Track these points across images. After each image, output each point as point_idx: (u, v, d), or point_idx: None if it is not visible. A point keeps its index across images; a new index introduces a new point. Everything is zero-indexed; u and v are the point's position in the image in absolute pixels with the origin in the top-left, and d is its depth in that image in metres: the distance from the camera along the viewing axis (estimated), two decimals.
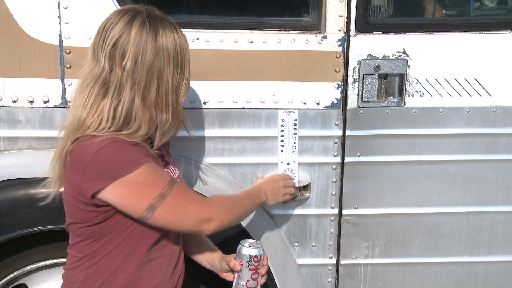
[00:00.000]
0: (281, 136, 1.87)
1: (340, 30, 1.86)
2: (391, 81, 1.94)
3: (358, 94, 1.91)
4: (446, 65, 1.92)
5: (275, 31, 1.84)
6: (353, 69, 1.89)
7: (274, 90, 1.87)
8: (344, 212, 1.97)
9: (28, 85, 1.75)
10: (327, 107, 1.90)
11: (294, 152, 1.88)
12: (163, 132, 1.43)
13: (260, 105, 1.87)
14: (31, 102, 1.77)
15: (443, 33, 1.91)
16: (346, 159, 1.93)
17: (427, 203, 2.01)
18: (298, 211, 1.95)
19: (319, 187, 1.94)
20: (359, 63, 1.89)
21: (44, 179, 1.75)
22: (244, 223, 1.88)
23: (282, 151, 1.87)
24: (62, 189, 1.47)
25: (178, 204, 1.38)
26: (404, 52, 1.90)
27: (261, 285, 1.54)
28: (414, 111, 1.94)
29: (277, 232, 1.94)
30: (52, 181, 1.47)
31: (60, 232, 1.82)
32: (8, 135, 1.78)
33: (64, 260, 1.87)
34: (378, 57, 1.90)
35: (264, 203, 1.71)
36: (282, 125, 1.86)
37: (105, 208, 1.37)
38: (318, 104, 1.89)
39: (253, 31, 1.84)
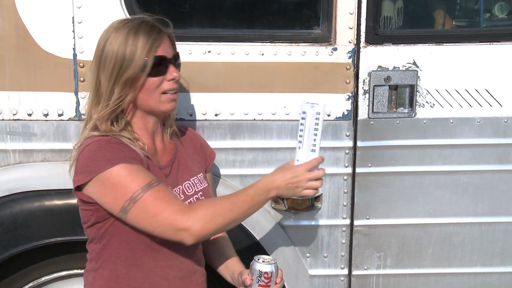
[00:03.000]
0: (300, 131, 1.44)
1: (350, 42, 1.82)
2: (402, 92, 1.89)
3: (368, 105, 1.86)
4: (457, 75, 1.86)
5: (285, 44, 1.80)
6: (364, 80, 1.84)
7: (285, 101, 1.82)
8: (356, 222, 1.91)
9: (42, 98, 1.72)
10: (338, 118, 1.85)
11: (313, 151, 1.42)
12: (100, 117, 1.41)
13: (272, 116, 1.83)
14: (46, 115, 1.74)
15: (453, 44, 1.86)
16: (357, 170, 1.88)
17: (439, 214, 1.94)
18: (309, 222, 1.90)
19: (330, 198, 1.89)
20: (370, 74, 1.84)
21: (58, 190, 1.76)
22: (256, 235, 1.83)
23: (299, 147, 1.43)
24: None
25: (148, 211, 1.32)
26: (414, 63, 1.85)
27: None
28: (424, 121, 1.88)
29: (288, 243, 1.89)
30: None
31: (74, 244, 1.79)
32: (23, 148, 1.75)
33: (78, 271, 1.87)
34: (388, 68, 1.85)
35: (274, 195, 1.40)
36: (303, 118, 1.43)
37: (94, 206, 1.38)
38: (329, 115, 1.84)
39: (264, 43, 1.80)
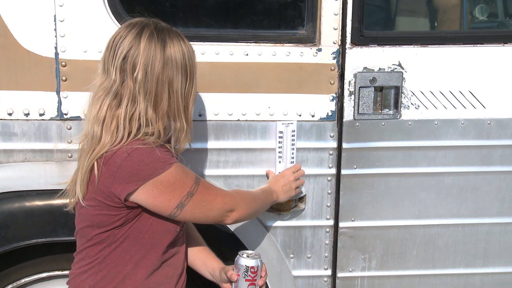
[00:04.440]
0: (279, 148, 1.79)
1: (334, 43, 1.80)
2: (387, 94, 1.87)
3: (354, 107, 1.84)
4: (441, 77, 1.85)
5: (270, 44, 1.78)
6: (349, 81, 1.82)
7: (269, 102, 1.80)
8: (341, 224, 1.89)
9: (23, 97, 1.68)
10: (322, 119, 1.83)
11: (292, 163, 1.81)
12: (178, 140, 1.45)
13: (256, 117, 1.80)
14: (27, 114, 1.70)
15: (437, 46, 1.85)
16: (343, 172, 1.86)
17: (423, 215, 1.93)
18: (293, 222, 1.87)
19: (314, 199, 1.87)
20: (355, 75, 1.82)
21: (39, 191, 1.72)
22: (239, 235, 1.81)
23: (280, 162, 1.80)
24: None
25: (204, 200, 1.45)
26: (400, 65, 1.84)
27: None
28: (409, 123, 1.87)
29: (272, 244, 1.87)
30: (71, 197, 1.46)
31: (55, 245, 1.76)
32: (3, 148, 1.70)
33: (59, 273, 1.83)
34: (373, 69, 1.83)
35: (277, 201, 1.73)
36: (280, 137, 1.79)
37: (132, 211, 1.38)
38: (313, 116, 1.82)
39: (249, 43, 1.77)
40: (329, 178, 1.86)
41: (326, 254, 1.91)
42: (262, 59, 1.78)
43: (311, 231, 1.89)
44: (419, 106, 1.86)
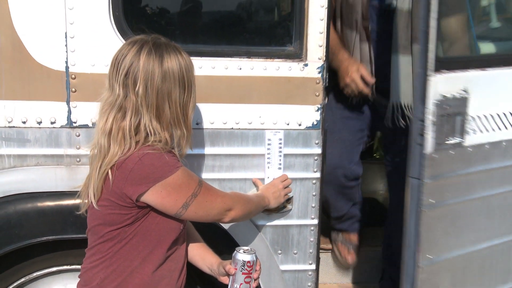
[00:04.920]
0: (268, 154, 1.96)
1: (319, 59, 1.95)
2: None
3: None
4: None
5: (261, 59, 1.93)
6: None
7: (260, 112, 1.96)
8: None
9: (36, 107, 1.83)
10: (308, 128, 1.99)
11: (280, 168, 1.97)
12: (180, 145, 1.59)
13: (248, 125, 1.96)
14: (39, 122, 1.84)
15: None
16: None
17: None
18: (281, 221, 2.03)
19: (300, 200, 2.03)
20: None
21: (50, 192, 1.86)
22: (233, 234, 1.96)
23: (268, 167, 1.97)
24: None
25: (207, 200, 1.60)
26: None
27: None
28: None
29: (262, 241, 2.02)
30: (84, 199, 1.59)
31: (63, 242, 1.90)
32: (17, 153, 1.84)
33: (67, 267, 1.97)
34: None
35: (268, 207, 1.90)
36: (269, 144, 1.95)
37: (141, 211, 1.52)
38: (300, 125, 1.98)
39: (242, 59, 1.93)
40: (314, 181, 2.02)
41: (311, 250, 2.07)
42: (254, 73, 1.93)
43: (297, 229, 2.05)
44: None
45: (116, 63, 1.52)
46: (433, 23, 1.74)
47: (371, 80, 2.28)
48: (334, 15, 2.42)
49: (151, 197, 1.50)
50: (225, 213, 1.66)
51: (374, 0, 2.34)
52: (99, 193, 1.52)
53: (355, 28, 2.33)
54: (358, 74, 2.28)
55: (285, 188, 1.94)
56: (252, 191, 1.98)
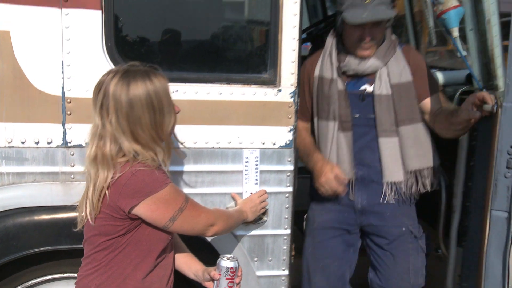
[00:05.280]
0: (245, 170, 2.15)
1: (292, 85, 2.16)
2: None
3: None
4: None
5: (240, 85, 2.12)
6: None
7: (239, 133, 2.14)
8: None
9: (34, 129, 1.98)
10: (281, 147, 2.19)
11: (256, 183, 2.16)
12: (164, 161, 1.70)
13: (227, 145, 2.14)
14: (37, 143, 1.99)
15: None
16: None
17: None
18: (257, 232, 2.22)
19: (274, 212, 2.22)
20: None
21: (46, 207, 2.01)
22: (214, 243, 2.14)
23: (246, 182, 2.16)
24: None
25: (192, 216, 1.75)
26: None
27: None
28: None
29: (240, 250, 2.21)
30: (80, 212, 1.72)
31: (58, 252, 2.04)
32: (16, 171, 1.99)
33: (61, 275, 2.11)
34: None
35: (246, 220, 2.08)
36: (246, 162, 2.15)
37: (133, 222, 1.64)
38: (274, 144, 2.18)
39: (222, 85, 2.11)
40: (286, 195, 2.22)
41: (284, 257, 2.27)
42: (233, 98, 2.12)
43: (272, 238, 2.24)
44: None
45: (94, 94, 1.65)
46: None
47: (345, 179, 2.27)
48: (308, 108, 2.42)
49: (141, 210, 1.64)
50: (208, 228, 1.81)
51: (350, 87, 2.32)
52: (97, 210, 1.65)
53: (332, 118, 2.30)
54: (332, 174, 2.24)
55: (262, 202, 2.13)
56: (231, 205, 2.17)
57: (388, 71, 2.26)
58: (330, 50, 2.34)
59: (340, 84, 2.29)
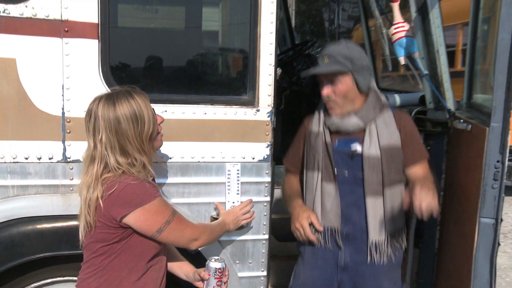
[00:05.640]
0: (228, 182, 2.37)
1: (269, 105, 2.39)
2: None
3: None
4: None
5: (222, 106, 2.35)
6: None
7: (221, 148, 2.36)
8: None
9: (37, 146, 2.17)
10: (260, 161, 2.42)
11: (238, 193, 2.39)
12: (148, 170, 1.85)
13: (211, 159, 2.36)
14: (39, 158, 2.18)
15: None
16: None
17: None
18: (239, 237, 2.44)
19: (254, 220, 2.43)
20: None
21: (47, 216, 2.20)
22: (200, 248, 2.35)
23: (228, 193, 2.38)
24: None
25: (178, 229, 1.89)
26: None
27: None
28: None
29: (223, 254, 2.42)
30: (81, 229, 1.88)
31: (57, 258, 2.23)
32: (20, 184, 2.17)
33: (61, 278, 2.29)
34: None
35: (228, 231, 2.25)
36: (228, 174, 2.38)
37: (126, 231, 1.80)
38: (253, 158, 2.41)
39: (207, 105, 2.33)
40: (265, 204, 2.45)
41: (263, 260, 2.48)
42: (217, 117, 2.34)
43: (252, 243, 2.46)
44: None
45: (86, 121, 1.83)
46: None
47: (320, 228, 2.30)
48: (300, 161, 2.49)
49: (131, 220, 1.77)
50: (192, 242, 1.95)
51: (341, 145, 2.34)
52: (92, 222, 1.80)
53: (316, 168, 2.35)
54: (307, 221, 2.29)
55: (244, 214, 2.31)
56: (214, 214, 2.39)
57: (378, 132, 2.28)
58: (320, 107, 2.43)
59: (325, 137, 2.35)
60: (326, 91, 2.29)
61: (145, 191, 1.79)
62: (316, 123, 2.40)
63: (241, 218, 2.30)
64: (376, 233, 2.28)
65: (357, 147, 2.29)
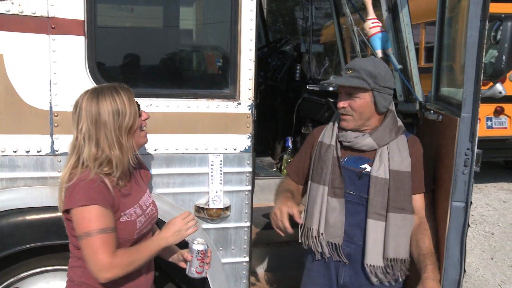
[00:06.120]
0: (211, 172, 2.48)
1: (249, 99, 2.50)
2: None
3: None
4: None
5: (205, 99, 2.44)
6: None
7: (204, 140, 2.46)
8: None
9: (25, 139, 2.23)
10: (241, 152, 2.53)
11: (220, 183, 2.50)
12: (116, 167, 1.82)
13: (195, 151, 2.46)
14: (28, 152, 2.24)
15: None
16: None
17: None
18: (222, 225, 2.55)
19: (236, 208, 2.55)
20: None
21: (36, 207, 2.26)
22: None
23: (212, 183, 2.48)
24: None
25: (91, 248, 1.74)
26: None
27: (206, 271, 2.06)
28: None
29: (207, 241, 2.48)
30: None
31: (47, 248, 2.29)
32: (9, 177, 2.22)
33: (50, 268, 2.36)
34: None
35: (167, 245, 1.94)
36: (212, 165, 2.48)
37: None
38: (235, 149, 2.52)
39: (190, 99, 2.42)
40: (246, 192, 2.57)
41: (245, 246, 2.60)
42: (200, 110, 2.44)
43: (234, 230, 2.57)
44: None
45: (73, 113, 1.87)
46: None
47: (299, 220, 2.20)
48: (304, 172, 2.44)
49: (72, 216, 1.78)
50: (99, 272, 1.75)
51: (350, 163, 2.30)
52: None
53: (323, 183, 2.28)
54: (287, 209, 2.19)
55: (187, 223, 1.98)
56: (198, 202, 2.47)
57: (389, 155, 2.23)
58: (334, 120, 2.39)
59: (336, 152, 2.30)
60: (342, 103, 2.26)
61: (87, 194, 1.77)
62: (329, 135, 2.35)
63: (184, 228, 1.97)
64: (373, 258, 2.21)
65: (367, 167, 2.25)
